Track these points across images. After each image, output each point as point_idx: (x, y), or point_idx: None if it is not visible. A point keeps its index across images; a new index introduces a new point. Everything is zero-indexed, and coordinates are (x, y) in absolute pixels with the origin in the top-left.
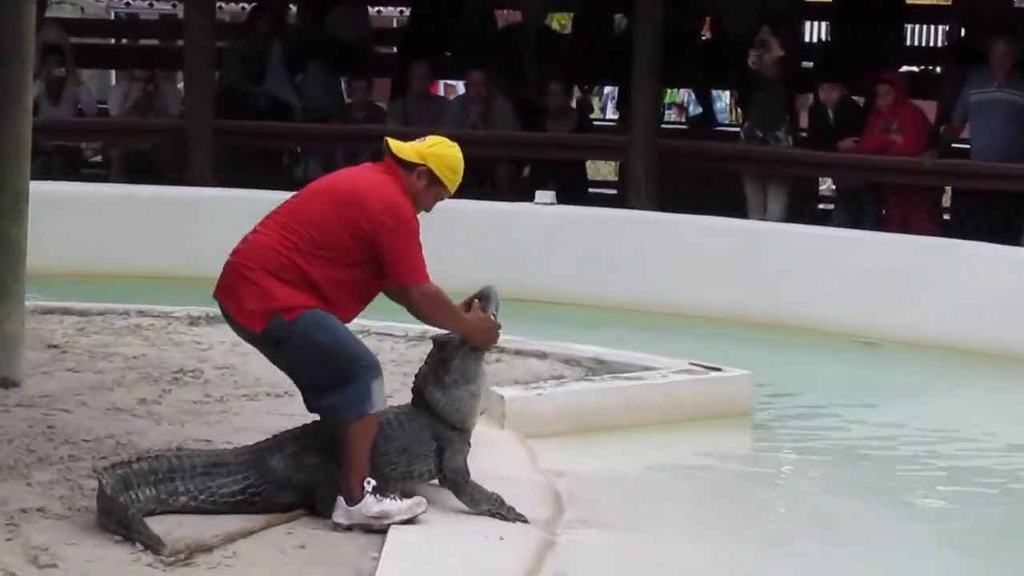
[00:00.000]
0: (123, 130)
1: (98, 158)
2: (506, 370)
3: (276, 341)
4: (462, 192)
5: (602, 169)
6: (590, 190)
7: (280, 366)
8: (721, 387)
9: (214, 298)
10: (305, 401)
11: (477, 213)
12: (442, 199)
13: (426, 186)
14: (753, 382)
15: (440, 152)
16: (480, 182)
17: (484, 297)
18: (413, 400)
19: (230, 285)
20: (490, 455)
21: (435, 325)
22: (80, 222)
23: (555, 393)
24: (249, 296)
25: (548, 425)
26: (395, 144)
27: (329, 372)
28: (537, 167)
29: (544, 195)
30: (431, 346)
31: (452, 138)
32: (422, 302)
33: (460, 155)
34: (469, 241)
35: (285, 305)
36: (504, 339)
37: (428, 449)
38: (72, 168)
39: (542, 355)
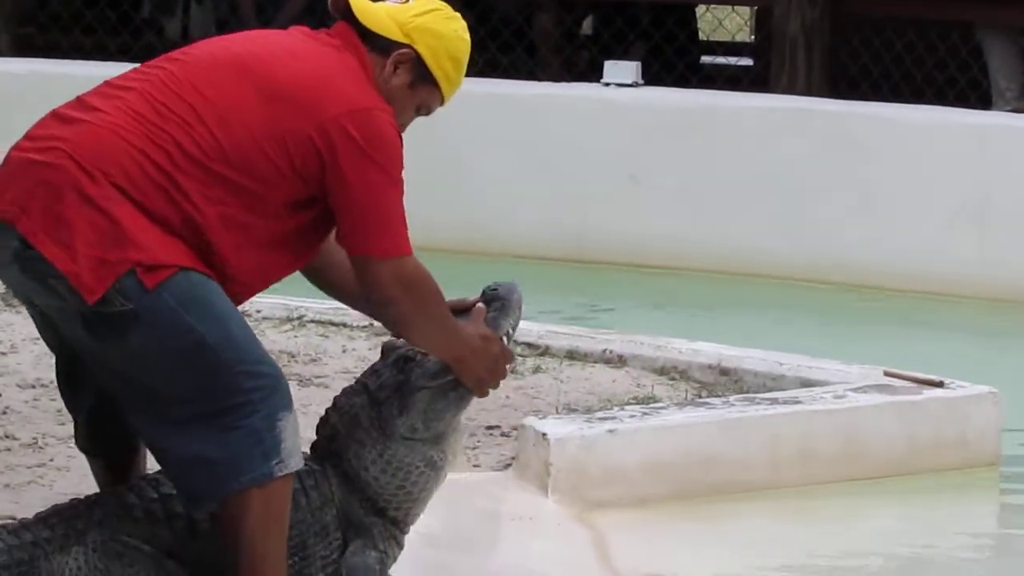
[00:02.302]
0: None
1: None
2: (551, 386)
3: (117, 323)
4: (471, 67)
5: (728, 22)
6: (704, 59)
7: (108, 370)
8: (945, 415)
9: None
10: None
11: (500, 102)
12: (427, 111)
13: (407, 85)
14: (1001, 406)
15: (435, 27)
16: (506, 45)
17: (497, 300)
18: (317, 451)
19: (38, 202)
20: (524, 544)
21: (409, 334)
22: None
23: (641, 430)
24: (85, 229)
25: (629, 488)
26: (359, 3)
27: (202, 393)
28: (607, 18)
29: (620, 68)
30: (381, 356)
31: None
32: (397, 290)
33: (466, 35)
34: (486, 154)
35: (147, 259)
36: (546, 331)
37: (330, 544)
38: None
39: (618, 360)
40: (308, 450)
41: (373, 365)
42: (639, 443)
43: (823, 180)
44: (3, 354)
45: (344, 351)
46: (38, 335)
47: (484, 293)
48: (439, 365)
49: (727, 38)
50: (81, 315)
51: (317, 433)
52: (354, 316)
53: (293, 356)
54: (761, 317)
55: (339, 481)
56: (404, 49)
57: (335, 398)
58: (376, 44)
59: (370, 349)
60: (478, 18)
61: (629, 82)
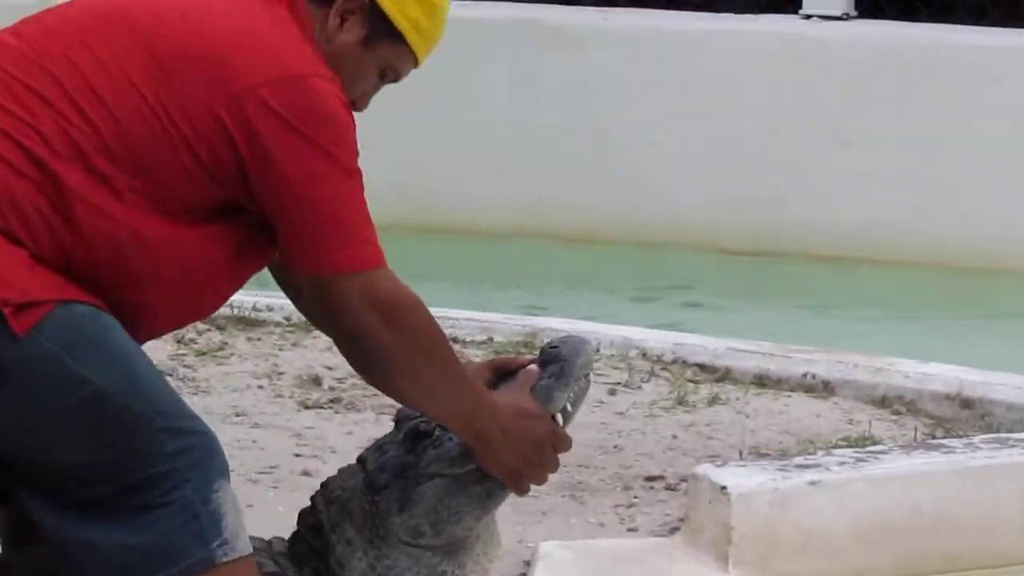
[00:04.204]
0: None
1: None
2: (733, 422)
3: None
4: None
5: None
6: None
7: None
8: None
9: None
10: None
11: (665, 42)
12: (395, 76)
13: (360, 42)
14: None
15: None
16: None
17: (555, 361)
18: (295, 551)
19: None
20: None
21: (398, 385)
22: None
23: (854, 481)
24: None
25: (837, 559)
26: None
27: (112, 465)
28: None
29: None
30: (394, 428)
31: None
32: (371, 316)
33: None
34: (646, 111)
35: (14, 296)
36: (727, 348)
37: None
38: None
39: (823, 387)
40: (287, 546)
41: (380, 439)
42: (851, 499)
43: None
44: None
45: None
46: None
47: (542, 351)
48: (463, 447)
49: None
50: None
51: (299, 524)
52: (467, 327)
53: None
54: (1016, 328)
55: None
56: None
57: (327, 480)
58: None
59: None
60: None
61: (838, 13)
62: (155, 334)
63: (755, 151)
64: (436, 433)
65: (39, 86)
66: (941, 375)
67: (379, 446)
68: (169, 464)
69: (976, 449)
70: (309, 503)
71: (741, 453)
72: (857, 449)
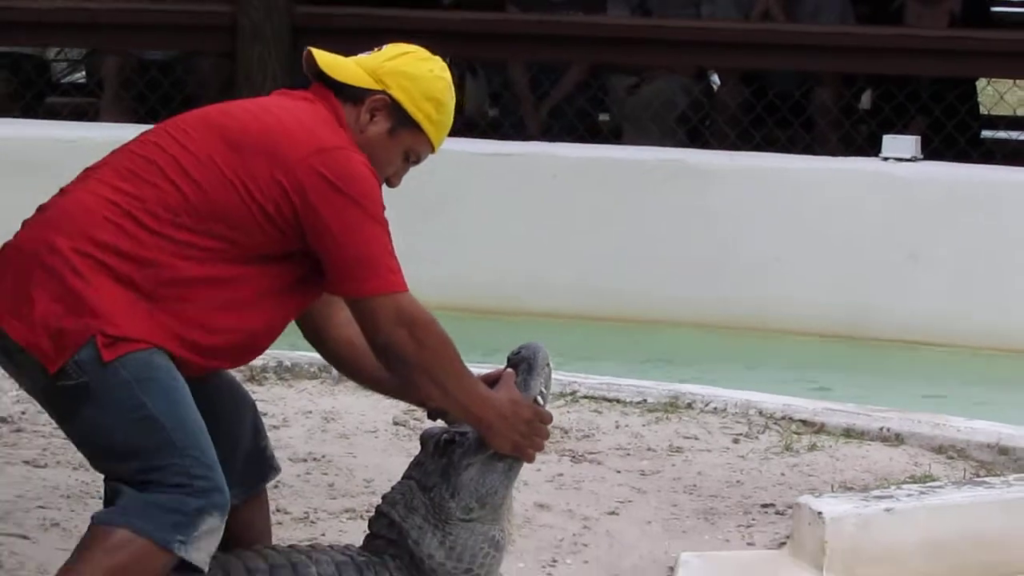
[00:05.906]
0: None
1: None
2: (827, 464)
3: (73, 397)
4: (748, 142)
5: (1009, 96)
6: (984, 134)
7: (69, 435)
8: None
9: None
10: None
11: (776, 176)
12: (416, 159)
13: (387, 132)
14: None
15: (407, 69)
16: (784, 120)
17: (523, 362)
18: (372, 546)
19: (8, 283)
20: None
21: (422, 383)
22: None
23: (919, 509)
24: (46, 301)
25: (905, 568)
26: (324, 57)
27: (145, 460)
28: (887, 92)
29: (900, 143)
30: (421, 448)
31: (724, 44)
32: (399, 330)
33: (445, 74)
34: (760, 229)
35: (110, 330)
36: (822, 408)
37: None
38: None
39: (895, 438)
40: (362, 545)
41: (416, 458)
42: (917, 523)
43: None
44: (275, 427)
45: (617, 427)
46: (310, 409)
47: (508, 359)
48: (479, 439)
49: (1008, 112)
50: (43, 392)
51: (370, 528)
52: (627, 392)
53: (566, 432)
54: None
55: (402, 570)
56: (377, 95)
57: (384, 495)
58: (348, 95)
59: (644, 425)
60: (755, 93)
61: (908, 156)
62: (224, 364)
63: (844, 261)
64: (457, 438)
65: (142, 172)
66: (984, 429)
67: (418, 462)
68: (187, 480)
69: (1011, 486)
70: (375, 513)
71: (832, 487)
72: (921, 485)
